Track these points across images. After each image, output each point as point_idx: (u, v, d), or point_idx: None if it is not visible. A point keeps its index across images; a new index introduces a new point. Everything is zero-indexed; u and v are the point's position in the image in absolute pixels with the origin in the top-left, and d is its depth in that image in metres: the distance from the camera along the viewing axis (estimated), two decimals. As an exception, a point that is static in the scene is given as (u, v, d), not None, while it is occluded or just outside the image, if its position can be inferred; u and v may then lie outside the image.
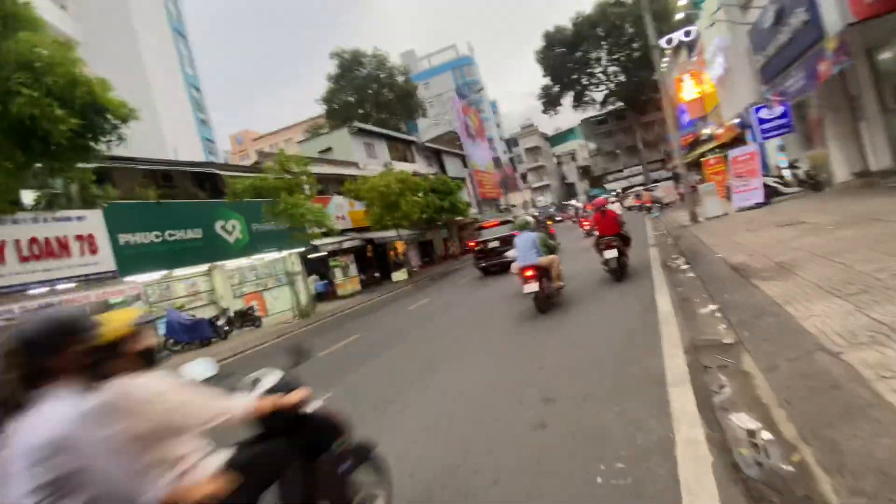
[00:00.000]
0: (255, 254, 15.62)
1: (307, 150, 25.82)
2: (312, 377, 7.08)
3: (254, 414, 1.76)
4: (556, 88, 57.69)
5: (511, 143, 73.80)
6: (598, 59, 56.39)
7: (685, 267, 7.65)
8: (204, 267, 14.48)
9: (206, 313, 14.15)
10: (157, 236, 12.69)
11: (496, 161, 57.61)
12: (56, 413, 1.21)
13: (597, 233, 8.20)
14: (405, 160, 30.59)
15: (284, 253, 16.30)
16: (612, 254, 7.62)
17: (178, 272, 13.87)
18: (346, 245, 19.69)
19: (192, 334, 12.30)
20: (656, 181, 53.83)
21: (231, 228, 14.94)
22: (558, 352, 4.91)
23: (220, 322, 12.98)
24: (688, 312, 5.10)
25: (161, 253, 12.73)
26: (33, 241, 9.86)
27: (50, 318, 1.39)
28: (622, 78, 56.23)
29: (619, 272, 7.71)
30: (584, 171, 71.88)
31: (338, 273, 17.83)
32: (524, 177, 66.79)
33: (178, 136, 28.30)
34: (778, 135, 11.92)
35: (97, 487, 1.20)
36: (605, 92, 58.59)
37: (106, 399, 1.37)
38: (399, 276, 20.12)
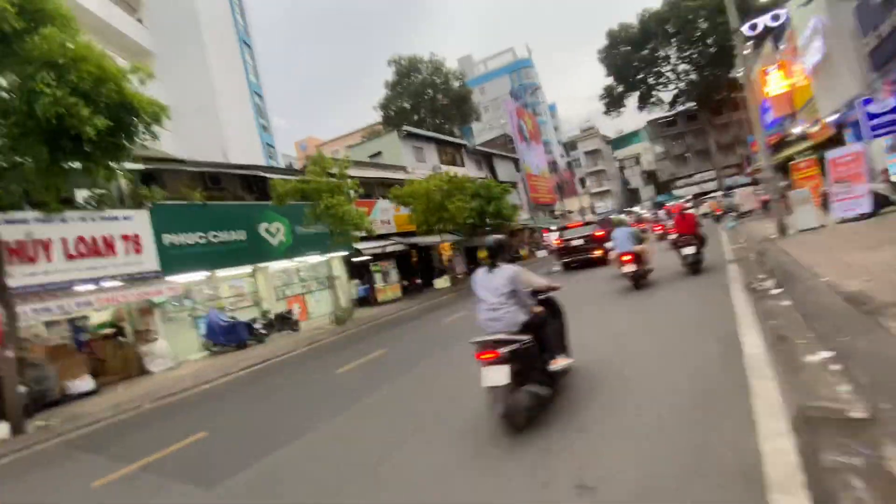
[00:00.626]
0: (297, 256, 15.51)
1: (358, 154, 25.87)
2: (319, 399, 6.06)
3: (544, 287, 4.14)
4: (620, 88, 54.67)
5: (569, 146, 71.11)
6: (667, 58, 52.81)
7: (776, 292, 6.16)
8: (248, 268, 14.52)
9: (249, 315, 14.16)
10: (200, 237, 12.80)
11: (552, 165, 55.56)
12: (510, 268, 3.76)
13: (671, 236, 9.74)
14: (454, 164, 29.90)
15: (327, 256, 16.09)
16: (690, 250, 8.88)
17: (222, 273, 13.97)
18: (389, 249, 19.23)
19: (230, 337, 12.22)
20: (731, 188, 49.31)
21: (275, 231, 14.90)
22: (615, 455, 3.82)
23: (258, 325, 12.83)
24: (787, 359, 3.79)
25: (205, 253, 12.83)
26: (80, 239, 10.11)
27: (500, 238, 4.05)
28: (694, 76, 52.25)
29: (697, 266, 8.92)
30: (650, 176, 67.58)
31: (378, 278, 17.37)
32: (582, 182, 63.90)
33: (240, 141, 29.57)
34: (889, 132, 9.77)
35: (521, 297, 3.74)
36: (675, 91, 54.73)
37: (517, 268, 3.81)
38: (441, 283, 19.36)
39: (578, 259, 15.66)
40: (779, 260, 7.93)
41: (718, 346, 4.48)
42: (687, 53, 51.57)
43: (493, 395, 3.40)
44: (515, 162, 38.07)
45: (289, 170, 14.54)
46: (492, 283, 3.75)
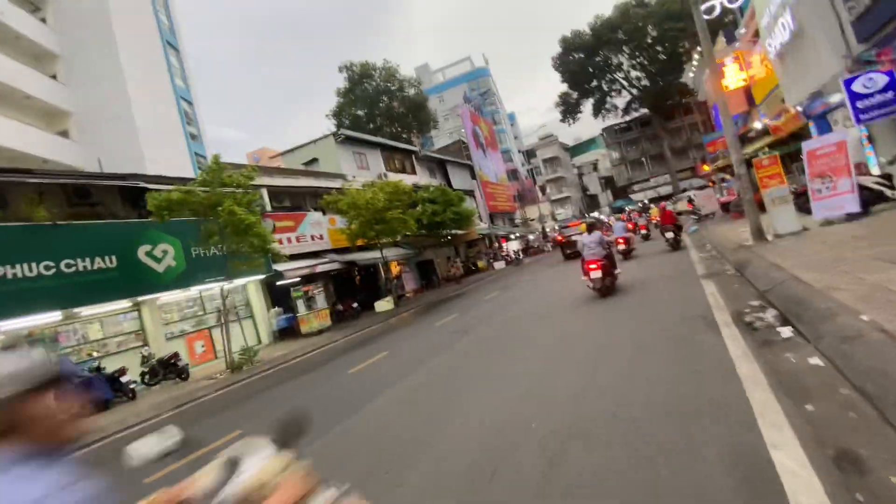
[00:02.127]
0: (194, 284, 12.73)
1: (291, 161, 23.22)
2: None
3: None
4: (575, 95, 54.49)
5: (529, 154, 70.54)
6: (620, 65, 53.10)
7: (786, 333, 4.19)
8: (123, 303, 11.67)
9: (129, 362, 11.30)
10: (47, 268, 9.91)
11: (513, 173, 54.41)
12: (597, 234, 9.20)
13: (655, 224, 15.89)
14: (404, 171, 27.68)
15: (234, 282, 13.41)
16: (671, 234, 13.46)
17: (89, 311, 11.08)
18: (320, 269, 16.69)
19: (85, 395, 9.33)
20: (685, 190, 49.45)
21: (161, 255, 12.11)
22: None
23: (126, 378, 10.00)
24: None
25: (53, 288, 9.94)
26: None
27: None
28: (646, 83, 52.63)
29: (676, 244, 13.42)
30: (608, 182, 67.84)
31: (300, 305, 14.75)
32: (543, 189, 63.16)
33: (162, 150, 26.35)
34: (883, 115, 8.32)
35: (604, 245, 9.17)
36: (628, 98, 55.03)
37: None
38: (383, 305, 16.94)
39: (576, 251, 18.89)
40: (770, 276, 6.06)
41: (740, 483, 2.36)
42: (638, 60, 51.97)
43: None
44: (471, 169, 36.26)
45: (181, 180, 11.88)
46: (591, 239, 8.70)
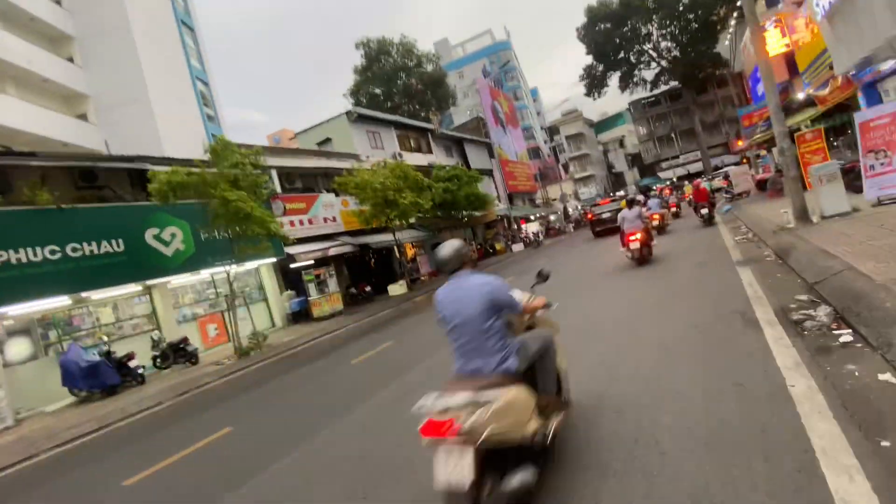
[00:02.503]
0: (203, 268, 12.55)
1: (305, 142, 22.81)
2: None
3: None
4: (601, 68, 51.93)
5: (552, 131, 68.41)
6: (649, 35, 50.16)
7: (844, 336, 3.50)
8: (133, 287, 11.59)
9: (139, 346, 11.27)
10: (52, 252, 9.81)
11: (535, 151, 52.86)
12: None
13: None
14: (419, 150, 26.97)
15: (245, 266, 13.20)
16: (705, 210, 14.15)
17: (99, 295, 11.03)
18: (332, 252, 16.37)
19: (90, 381, 9.33)
20: (717, 168, 47.03)
21: (169, 238, 11.93)
22: None
23: (134, 361, 9.92)
24: None
25: (60, 273, 9.85)
26: None
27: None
28: (677, 54, 49.68)
29: (710, 220, 14.15)
30: (634, 159, 65.30)
31: (311, 289, 14.47)
32: (566, 167, 61.29)
33: (179, 132, 26.28)
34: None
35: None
36: (657, 70, 52.15)
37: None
38: (396, 289, 16.55)
39: (607, 228, 20.19)
40: (820, 265, 5.28)
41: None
42: (669, 29, 49.00)
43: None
44: (489, 147, 35.16)
45: (189, 162, 11.54)
46: (632, 214, 9.68)
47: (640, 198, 20.01)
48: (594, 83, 53.25)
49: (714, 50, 43.88)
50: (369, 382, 5.95)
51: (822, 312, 4.09)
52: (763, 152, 28.35)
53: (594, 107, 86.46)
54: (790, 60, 16.04)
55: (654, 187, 46.73)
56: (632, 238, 9.35)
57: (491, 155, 35.10)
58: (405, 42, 47.97)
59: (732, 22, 25.44)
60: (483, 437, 2.00)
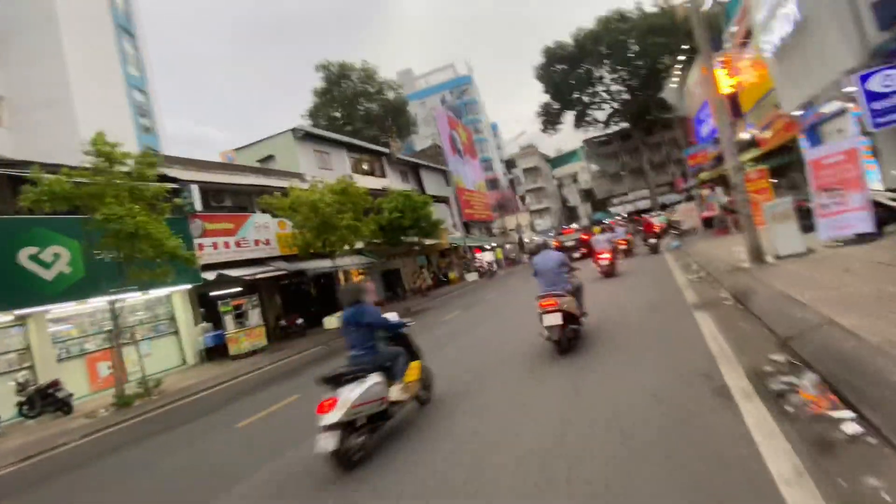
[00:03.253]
0: (94, 296, 10.58)
1: (246, 157, 21.17)
2: None
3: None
4: (557, 106, 53.80)
5: (510, 164, 69.71)
6: (601, 78, 52.67)
7: (855, 428, 2.60)
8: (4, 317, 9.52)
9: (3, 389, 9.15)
10: None
11: (493, 182, 53.21)
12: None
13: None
14: (372, 174, 25.90)
15: (154, 294, 11.37)
16: (653, 240, 17.20)
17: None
18: (260, 277, 14.70)
19: None
20: (664, 206, 48.96)
21: (51, 259, 10.01)
22: None
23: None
24: None
25: None
26: None
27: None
28: (626, 97, 52.32)
29: (655, 249, 16.76)
30: (587, 194, 67.40)
31: (229, 322, 12.69)
32: (522, 199, 62.20)
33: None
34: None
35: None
36: (609, 111, 54.61)
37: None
38: (332, 322, 15.01)
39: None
40: (790, 315, 4.51)
41: None
42: (620, 74, 51.67)
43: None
44: (446, 174, 34.68)
45: (74, 167, 9.77)
46: (603, 238, 12.72)
47: (611, 224, 24.01)
48: (550, 120, 55.03)
49: (660, 95, 46.53)
50: (241, 462, 4.54)
51: (808, 381, 3.22)
52: (706, 191, 29.49)
53: (550, 143, 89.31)
54: (734, 102, 16.51)
55: (605, 220, 48.01)
56: (601, 256, 11.81)
57: (447, 182, 34.59)
58: (366, 68, 47.85)
59: (679, 67, 26.62)
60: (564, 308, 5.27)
